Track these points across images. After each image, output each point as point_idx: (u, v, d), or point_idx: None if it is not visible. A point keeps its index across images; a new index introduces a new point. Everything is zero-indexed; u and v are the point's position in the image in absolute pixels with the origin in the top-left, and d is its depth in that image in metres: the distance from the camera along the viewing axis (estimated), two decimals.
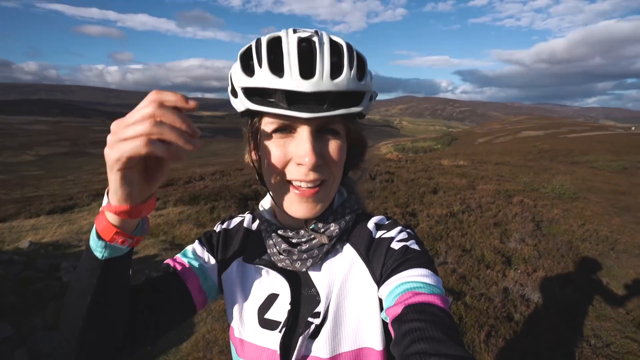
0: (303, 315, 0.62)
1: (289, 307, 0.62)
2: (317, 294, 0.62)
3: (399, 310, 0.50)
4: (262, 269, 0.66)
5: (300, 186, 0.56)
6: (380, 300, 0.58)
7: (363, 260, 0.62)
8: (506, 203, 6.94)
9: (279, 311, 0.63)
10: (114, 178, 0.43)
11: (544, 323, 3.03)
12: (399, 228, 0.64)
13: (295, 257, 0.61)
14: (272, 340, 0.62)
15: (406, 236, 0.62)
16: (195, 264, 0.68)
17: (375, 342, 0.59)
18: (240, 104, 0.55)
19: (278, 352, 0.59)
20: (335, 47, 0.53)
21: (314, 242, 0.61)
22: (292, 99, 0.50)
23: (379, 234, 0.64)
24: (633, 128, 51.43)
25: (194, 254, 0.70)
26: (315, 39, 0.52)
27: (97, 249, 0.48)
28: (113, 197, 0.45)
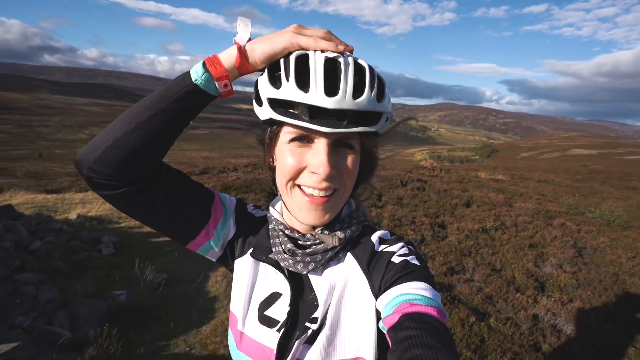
0: (301, 319, 0.64)
1: (288, 308, 0.64)
2: (316, 299, 0.64)
3: (395, 318, 0.52)
4: (268, 266, 0.69)
5: (313, 194, 0.58)
6: (377, 312, 0.60)
7: (363, 271, 0.63)
8: (545, 224, 6.50)
9: (279, 310, 0.66)
10: (272, 41, 0.56)
11: (575, 358, 2.82)
12: (401, 244, 0.66)
13: (298, 259, 0.63)
14: (271, 338, 0.64)
15: (407, 251, 0.64)
16: (225, 208, 0.72)
17: (368, 352, 0.60)
18: (265, 112, 0.58)
19: (274, 351, 0.62)
20: (358, 68, 0.56)
21: (319, 246, 0.64)
22: (314, 113, 0.53)
23: (381, 247, 0.66)
24: None
25: (229, 202, 0.74)
26: (340, 59, 0.55)
27: (197, 76, 0.57)
28: (249, 52, 0.57)
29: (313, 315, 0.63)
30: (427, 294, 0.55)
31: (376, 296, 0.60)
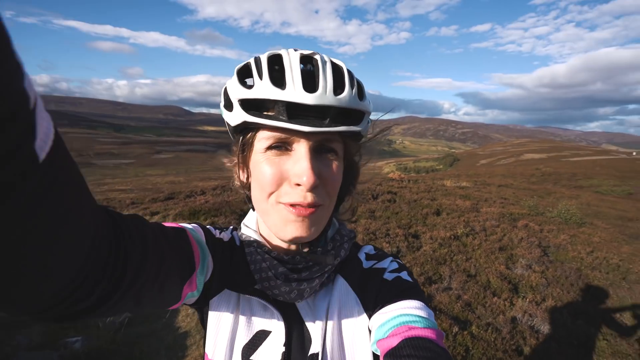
0: (298, 359, 0.54)
1: (282, 348, 0.54)
2: (309, 332, 0.56)
3: (393, 343, 0.48)
4: (253, 300, 0.57)
5: (301, 204, 0.51)
6: (370, 332, 0.56)
7: (355, 292, 0.59)
8: (511, 227, 6.80)
9: (269, 352, 0.55)
10: None
11: (556, 358, 2.86)
12: (389, 259, 0.63)
13: (294, 285, 0.54)
14: None
15: (397, 266, 0.61)
16: (201, 245, 0.55)
17: None
18: (236, 117, 0.51)
19: None
20: (336, 67, 0.53)
21: (314, 269, 0.56)
22: (293, 112, 0.48)
23: (368, 264, 0.63)
24: (634, 153, 51.36)
25: (200, 235, 0.57)
26: (317, 57, 0.51)
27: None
28: None
29: (311, 352, 0.54)
30: (424, 314, 0.52)
31: (369, 315, 0.56)
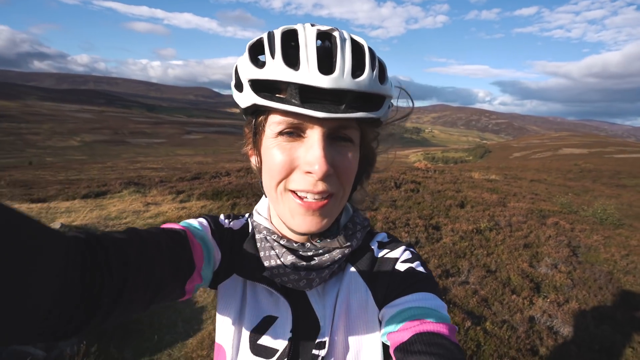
0: (306, 345, 0.54)
1: (289, 334, 0.54)
2: (317, 319, 0.55)
3: (405, 337, 0.47)
4: (259, 286, 0.58)
5: (306, 197, 0.49)
6: (380, 323, 0.54)
7: (365, 280, 0.57)
8: (539, 224, 6.48)
9: (277, 337, 0.56)
10: None
11: None
12: (402, 247, 0.60)
13: (302, 274, 0.53)
14: None
15: (410, 256, 0.58)
16: (204, 241, 0.56)
17: None
18: (246, 98, 0.49)
19: None
20: (356, 46, 0.48)
21: (324, 258, 0.54)
22: (307, 95, 0.44)
23: (381, 253, 0.60)
24: None
25: (203, 230, 0.58)
26: (335, 33, 0.47)
27: None
28: None
29: (318, 339, 0.54)
30: (437, 307, 0.50)
31: (380, 306, 0.55)
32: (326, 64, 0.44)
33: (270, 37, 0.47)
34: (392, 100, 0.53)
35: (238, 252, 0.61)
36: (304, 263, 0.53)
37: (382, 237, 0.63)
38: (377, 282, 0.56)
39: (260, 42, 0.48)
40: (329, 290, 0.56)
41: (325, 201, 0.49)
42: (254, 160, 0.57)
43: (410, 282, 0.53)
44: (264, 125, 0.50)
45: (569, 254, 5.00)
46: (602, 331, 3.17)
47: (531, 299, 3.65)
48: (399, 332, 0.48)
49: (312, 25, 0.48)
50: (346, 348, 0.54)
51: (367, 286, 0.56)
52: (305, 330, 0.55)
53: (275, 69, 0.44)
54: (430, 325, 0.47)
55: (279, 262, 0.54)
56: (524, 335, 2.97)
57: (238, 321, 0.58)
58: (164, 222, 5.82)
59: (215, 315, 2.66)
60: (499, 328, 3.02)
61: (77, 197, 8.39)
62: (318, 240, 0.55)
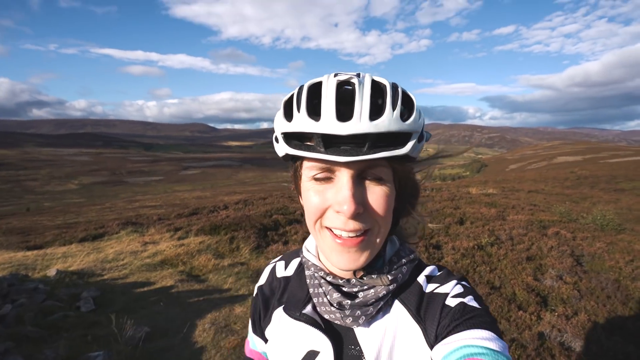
0: None
1: None
2: (362, 354, 0.56)
3: None
4: (301, 323, 0.60)
5: (342, 235, 0.52)
6: None
7: (414, 318, 0.55)
8: (540, 235, 6.43)
9: None
10: None
11: None
12: (453, 281, 0.58)
13: (348, 312, 0.55)
14: None
15: (462, 290, 0.56)
16: (261, 350, 0.70)
17: None
18: (281, 148, 0.54)
19: None
20: (377, 87, 0.51)
21: (369, 294, 0.56)
22: (330, 142, 0.48)
23: (430, 287, 0.58)
24: None
25: (254, 340, 0.72)
26: (354, 80, 0.50)
27: None
28: None
29: None
30: (494, 345, 0.47)
31: (431, 346, 0.53)
32: (346, 111, 0.48)
33: (299, 92, 0.52)
34: (425, 132, 0.55)
35: (273, 297, 0.68)
36: (349, 301, 0.55)
37: (431, 270, 0.61)
38: (427, 319, 0.55)
39: (291, 97, 0.53)
40: (375, 326, 0.56)
41: (361, 238, 0.51)
42: (299, 199, 0.61)
43: (462, 319, 0.51)
44: (300, 170, 0.55)
45: (572, 263, 4.93)
46: (615, 343, 3.07)
47: (539, 314, 3.56)
48: None
49: (335, 75, 0.51)
50: None
51: (416, 324, 0.55)
52: None
53: (301, 121, 0.49)
54: None
55: (325, 299, 0.57)
56: (534, 354, 2.88)
57: (283, 356, 0.61)
58: (162, 261, 5.72)
59: (215, 355, 2.57)
60: (509, 348, 2.93)
61: (74, 241, 8.30)
62: (363, 276, 0.57)
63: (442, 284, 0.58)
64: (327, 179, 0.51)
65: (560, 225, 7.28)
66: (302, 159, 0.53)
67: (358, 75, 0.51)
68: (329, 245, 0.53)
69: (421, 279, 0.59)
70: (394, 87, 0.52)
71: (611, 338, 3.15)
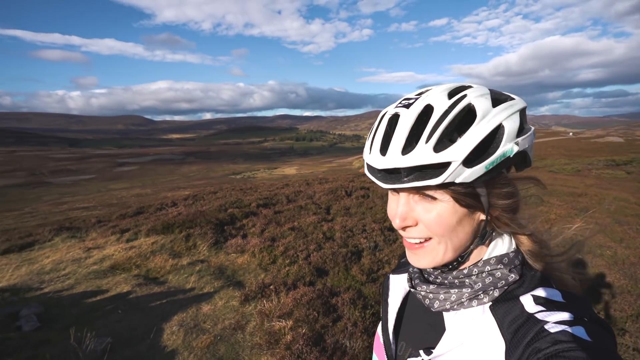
0: (418, 341, 0.66)
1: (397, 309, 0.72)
2: (439, 337, 0.59)
3: None
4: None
5: (406, 238, 0.60)
6: None
7: (501, 332, 0.51)
8: None
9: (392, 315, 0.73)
10: None
11: None
12: (568, 314, 0.47)
13: (423, 294, 0.63)
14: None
15: (572, 318, 0.46)
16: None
17: None
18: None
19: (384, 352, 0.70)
20: (424, 114, 0.52)
21: (442, 286, 0.60)
22: (374, 171, 0.58)
23: (534, 309, 0.50)
24: (571, 134, 55.12)
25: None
26: (403, 111, 0.54)
27: None
28: None
29: (428, 345, 0.62)
30: None
31: None
32: (385, 145, 0.54)
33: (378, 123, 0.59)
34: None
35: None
36: (424, 286, 0.63)
37: (549, 293, 0.53)
38: (515, 337, 0.49)
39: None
40: (460, 324, 0.57)
41: (421, 245, 0.58)
42: None
43: (555, 348, 0.42)
44: None
45: None
46: None
47: None
48: None
49: (398, 104, 0.56)
50: None
51: (501, 337, 0.51)
52: (426, 333, 0.64)
53: (365, 153, 0.59)
54: None
55: (415, 278, 0.68)
56: None
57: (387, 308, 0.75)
58: (112, 266, 5.30)
59: (188, 357, 2.56)
60: None
61: None
62: (441, 273, 0.62)
63: (551, 310, 0.49)
64: (396, 193, 0.60)
65: None
66: None
67: (414, 102, 0.54)
68: (405, 243, 0.62)
69: (527, 297, 0.53)
70: (447, 110, 0.51)
71: None
